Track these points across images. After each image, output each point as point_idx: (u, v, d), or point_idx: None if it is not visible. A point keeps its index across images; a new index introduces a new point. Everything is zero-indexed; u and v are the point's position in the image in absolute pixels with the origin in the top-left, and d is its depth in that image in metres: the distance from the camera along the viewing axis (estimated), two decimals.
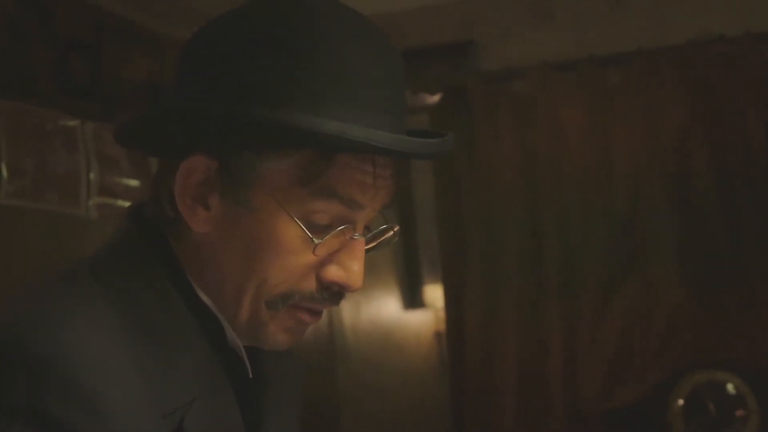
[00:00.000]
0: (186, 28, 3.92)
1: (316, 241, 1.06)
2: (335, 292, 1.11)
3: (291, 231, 1.07)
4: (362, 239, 1.11)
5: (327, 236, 1.07)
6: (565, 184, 3.73)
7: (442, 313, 4.18)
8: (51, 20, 3.47)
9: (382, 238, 1.15)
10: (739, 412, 3.48)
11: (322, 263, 1.09)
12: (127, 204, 3.58)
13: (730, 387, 3.49)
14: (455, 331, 4.00)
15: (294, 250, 1.07)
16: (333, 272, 1.09)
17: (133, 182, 3.63)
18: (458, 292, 3.98)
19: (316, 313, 1.12)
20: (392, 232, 1.16)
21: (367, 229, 1.13)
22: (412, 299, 4.30)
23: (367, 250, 1.13)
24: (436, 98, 4.03)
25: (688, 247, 3.58)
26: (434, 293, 4.27)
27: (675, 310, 3.56)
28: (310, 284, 1.09)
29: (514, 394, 3.75)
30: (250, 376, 1.15)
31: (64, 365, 0.96)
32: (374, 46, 1.08)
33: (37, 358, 0.96)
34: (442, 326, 4.19)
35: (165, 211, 1.10)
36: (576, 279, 3.68)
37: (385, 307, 4.31)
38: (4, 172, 3.22)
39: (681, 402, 3.51)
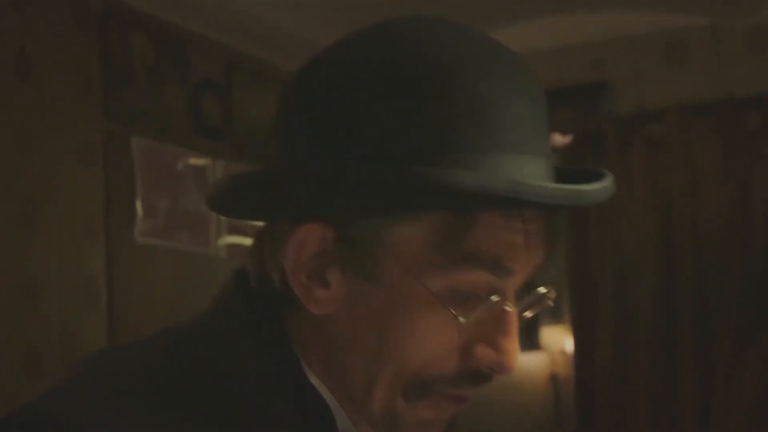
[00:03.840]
0: None
1: (461, 319, 0.87)
2: (484, 375, 0.91)
3: (430, 308, 0.87)
4: (514, 310, 0.90)
5: (473, 312, 0.87)
6: (700, 230, 3.63)
7: (558, 356, 4.10)
8: (185, 62, 3.53)
9: (537, 307, 0.95)
10: None
11: (469, 342, 0.89)
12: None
13: None
14: (583, 376, 3.92)
15: (435, 331, 0.88)
16: (482, 353, 0.89)
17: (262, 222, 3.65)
18: (587, 339, 3.90)
19: (462, 400, 0.92)
20: (549, 299, 0.95)
21: (518, 296, 0.92)
22: (529, 340, 4.23)
23: (521, 322, 0.92)
24: (567, 140, 3.97)
25: None
26: (551, 335, 4.20)
27: None
28: (455, 367, 0.90)
29: None
30: None
31: None
32: (514, 78, 0.88)
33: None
34: (558, 369, 4.11)
35: (274, 285, 0.92)
36: (711, 329, 3.57)
37: None
38: (139, 211, 3.28)
39: None
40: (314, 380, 0.92)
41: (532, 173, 0.87)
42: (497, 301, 0.88)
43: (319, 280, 0.89)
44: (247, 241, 3.58)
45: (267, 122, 3.83)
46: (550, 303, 0.95)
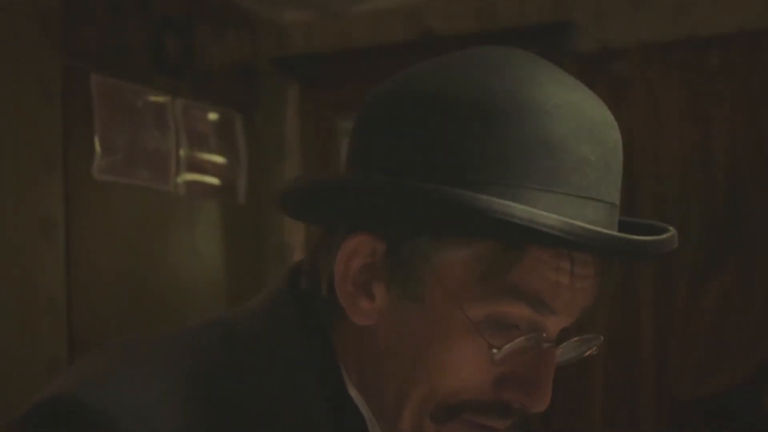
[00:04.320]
0: (277, 6, 3.93)
1: (494, 350, 0.88)
2: (514, 409, 0.91)
3: (466, 335, 0.88)
4: (554, 350, 0.90)
5: (509, 346, 0.88)
6: (662, 166, 3.65)
7: None
8: None
9: (580, 351, 0.94)
10: None
11: (503, 375, 0.90)
12: (214, 181, 3.60)
13: None
14: None
15: (469, 358, 0.89)
16: (514, 387, 0.90)
17: (221, 159, 3.64)
18: None
19: (490, 431, 0.92)
20: (596, 346, 0.95)
21: (560, 338, 0.92)
22: None
23: (560, 365, 0.93)
24: None
25: None
26: None
27: None
28: (486, 397, 0.90)
29: (603, 380, 3.69)
30: None
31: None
32: (586, 119, 0.89)
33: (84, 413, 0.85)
34: None
35: (322, 291, 0.94)
36: (671, 264, 3.60)
37: None
38: (98, 147, 3.26)
39: None
40: (352, 391, 0.94)
41: (590, 217, 0.87)
42: (535, 338, 0.89)
43: (365, 292, 0.91)
44: (206, 179, 3.57)
45: (228, 61, 3.80)
46: (595, 351, 0.95)
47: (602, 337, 0.95)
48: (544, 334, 0.90)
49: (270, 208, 3.67)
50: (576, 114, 0.88)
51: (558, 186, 0.86)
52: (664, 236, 0.91)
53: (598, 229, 0.86)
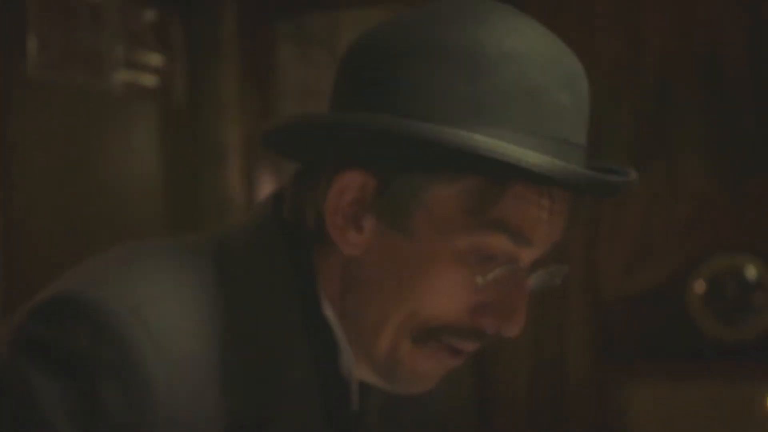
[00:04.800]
0: None
1: (479, 278, 0.96)
2: (487, 334, 1.00)
3: (452, 264, 0.96)
4: (527, 279, 1.00)
5: (491, 274, 0.96)
6: (592, 68, 3.71)
7: None
8: None
9: (548, 281, 1.03)
10: (759, 297, 3.52)
11: (481, 301, 0.98)
12: (151, 81, 3.58)
13: (750, 271, 3.52)
14: None
15: (453, 286, 0.97)
16: (491, 313, 0.99)
17: (158, 59, 3.62)
18: None
19: (460, 354, 1.01)
20: (559, 277, 1.04)
21: (531, 268, 1.01)
22: None
23: (530, 293, 1.02)
24: None
25: (715, 132, 3.59)
26: None
27: (699, 196, 3.57)
28: (463, 321, 0.98)
29: None
30: (355, 408, 1.05)
31: (135, 330, 0.92)
32: (564, 69, 0.98)
33: (114, 312, 0.92)
34: None
35: (307, 221, 1.01)
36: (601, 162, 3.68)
37: None
38: (32, 45, 3.21)
39: (700, 286, 3.54)
40: (329, 313, 1.01)
41: (566, 158, 0.96)
42: (513, 268, 0.98)
43: (354, 224, 0.98)
44: (142, 78, 3.55)
45: None
46: (559, 281, 1.04)
47: (567, 267, 1.03)
48: (521, 266, 0.99)
49: (208, 109, 3.67)
50: (556, 64, 0.97)
51: (540, 129, 0.95)
52: (630, 177, 1.01)
53: (578, 169, 0.96)
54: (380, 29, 1.00)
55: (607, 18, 3.73)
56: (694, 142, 3.60)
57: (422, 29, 0.97)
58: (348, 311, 1.01)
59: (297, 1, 3.93)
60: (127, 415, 0.90)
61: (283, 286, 1.00)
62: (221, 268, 0.99)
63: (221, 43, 3.63)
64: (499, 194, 0.95)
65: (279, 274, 1.00)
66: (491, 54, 0.95)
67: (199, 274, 0.99)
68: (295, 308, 1.00)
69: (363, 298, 1.00)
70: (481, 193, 0.95)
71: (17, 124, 3.16)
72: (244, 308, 0.98)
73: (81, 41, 3.38)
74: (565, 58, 0.99)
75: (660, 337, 3.60)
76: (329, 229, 0.99)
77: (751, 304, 3.51)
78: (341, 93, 1.01)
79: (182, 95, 3.65)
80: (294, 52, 3.95)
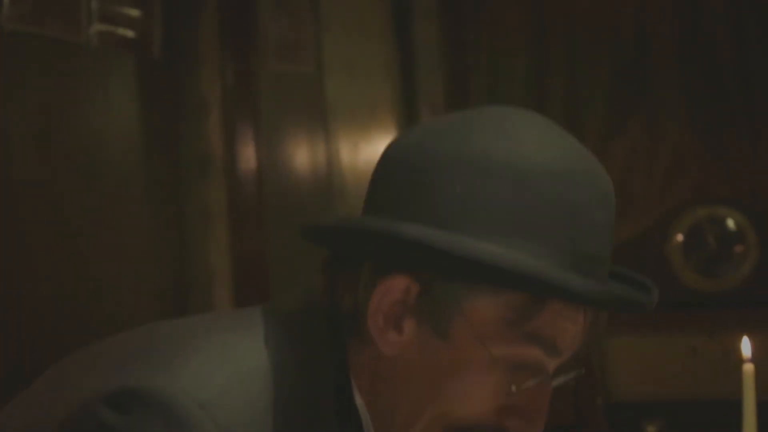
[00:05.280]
0: None
1: (513, 389, 1.02)
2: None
3: (488, 372, 1.01)
4: (550, 384, 1.05)
5: (525, 384, 1.02)
6: (571, 21, 3.71)
7: None
8: None
9: (563, 382, 1.09)
10: (739, 248, 3.54)
11: (506, 404, 1.03)
12: (128, 33, 3.53)
13: (730, 222, 3.54)
14: None
15: (486, 392, 1.02)
16: (516, 416, 1.04)
17: (135, 12, 3.57)
18: None
19: None
20: (578, 377, 1.10)
21: (555, 372, 1.08)
22: None
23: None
24: None
25: (693, 84, 3.59)
26: None
27: (679, 147, 3.59)
28: (490, 421, 1.04)
29: None
30: None
31: (205, 426, 0.97)
32: (600, 187, 1.03)
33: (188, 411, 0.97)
34: None
35: (343, 313, 1.05)
36: (580, 115, 3.69)
37: (383, 149, 4.31)
38: None
39: (680, 237, 3.56)
40: (359, 402, 1.06)
41: (599, 275, 1.02)
42: (545, 378, 1.03)
43: (395, 326, 1.02)
44: (119, 31, 3.51)
45: None
46: (572, 381, 1.10)
47: (584, 371, 1.09)
48: (549, 374, 1.05)
49: (186, 63, 3.64)
50: (593, 181, 1.02)
51: (577, 247, 1.00)
52: (654, 294, 1.08)
53: (614, 290, 1.04)
54: (422, 136, 1.04)
55: None
56: (673, 95, 3.61)
57: (465, 140, 1.01)
58: (379, 404, 1.06)
59: None
60: None
61: (322, 375, 1.05)
62: (271, 354, 1.04)
63: None
64: (538, 309, 1.00)
65: (319, 363, 1.05)
66: (534, 170, 0.99)
67: (254, 361, 1.03)
68: (330, 396, 1.05)
69: (395, 393, 1.04)
70: (522, 307, 1.00)
71: None
72: (290, 395, 1.03)
73: None
74: (599, 174, 1.04)
75: None
76: (370, 327, 1.03)
77: (730, 255, 3.53)
78: (386, 198, 1.04)
79: (160, 48, 3.61)
80: (274, 5, 3.91)
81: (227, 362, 1.02)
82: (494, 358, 1.01)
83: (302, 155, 4.03)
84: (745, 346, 1.39)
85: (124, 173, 3.46)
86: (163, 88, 3.62)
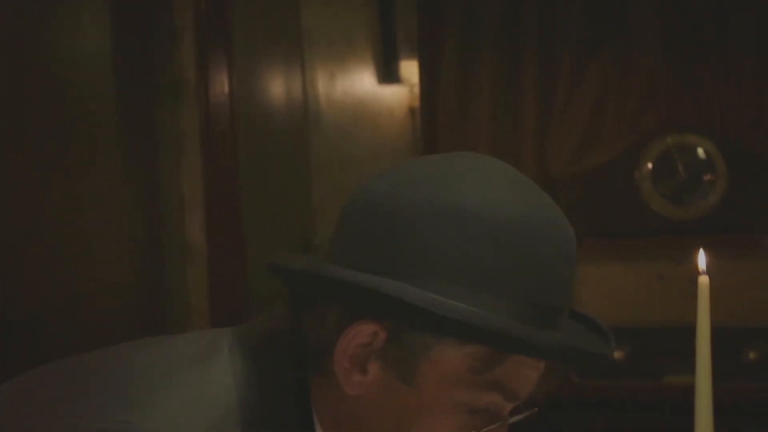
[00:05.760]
0: None
1: None
2: None
3: (451, 415, 1.06)
4: (507, 427, 1.11)
5: (484, 429, 1.07)
6: None
7: (417, 90, 4.18)
8: None
9: (519, 421, 1.13)
10: (708, 176, 3.55)
11: None
12: None
13: (700, 151, 3.55)
14: (428, 106, 4.02)
15: (447, 431, 1.07)
16: None
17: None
18: (433, 66, 3.97)
19: None
20: (532, 417, 1.15)
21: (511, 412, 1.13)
22: (387, 74, 4.29)
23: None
24: None
25: (669, 12, 3.58)
26: (410, 69, 4.26)
27: (650, 77, 3.58)
28: None
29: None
30: None
31: None
32: (565, 241, 1.05)
33: None
34: (417, 102, 4.20)
35: (308, 350, 1.09)
36: (554, 44, 3.68)
37: (359, 80, 4.30)
38: None
39: (650, 164, 3.57)
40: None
41: (561, 325, 1.06)
42: (504, 423, 1.09)
43: (359, 367, 1.05)
44: None
45: None
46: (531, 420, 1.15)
47: (537, 411, 1.13)
48: (506, 417, 1.10)
49: None
50: (559, 234, 1.05)
51: (543, 300, 1.04)
52: (612, 344, 1.12)
53: (578, 346, 1.07)
54: (393, 184, 1.06)
55: None
56: (645, 24, 3.60)
57: (436, 192, 1.03)
58: None
59: None
60: None
61: (286, 409, 1.09)
62: (239, 391, 1.07)
63: None
64: (502, 361, 1.04)
65: (283, 396, 1.09)
66: (505, 224, 1.02)
67: (224, 401, 1.06)
68: (293, 429, 1.08)
69: (359, 430, 1.09)
70: (486, 359, 1.03)
71: None
72: (255, 429, 1.06)
73: None
74: (565, 226, 1.06)
75: (610, 215, 3.64)
76: (336, 368, 1.06)
77: (699, 183, 3.55)
78: (356, 245, 1.06)
79: None
80: None
81: (201, 404, 1.06)
82: (457, 404, 1.05)
83: (277, 83, 4.01)
84: (701, 260, 1.40)
85: (94, 96, 3.45)
86: (136, 13, 3.60)
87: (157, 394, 1.06)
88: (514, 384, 1.06)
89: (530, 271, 1.03)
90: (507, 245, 1.02)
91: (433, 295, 1.01)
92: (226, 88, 3.61)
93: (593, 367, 1.16)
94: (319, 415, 1.10)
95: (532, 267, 1.03)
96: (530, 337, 1.02)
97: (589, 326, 1.14)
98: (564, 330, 1.07)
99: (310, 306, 1.08)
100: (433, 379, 1.04)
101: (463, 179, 1.05)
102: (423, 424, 1.06)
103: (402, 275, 1.02)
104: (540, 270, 1.03)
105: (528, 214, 1.03)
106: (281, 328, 1.11)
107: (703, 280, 1.37)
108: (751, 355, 3.48)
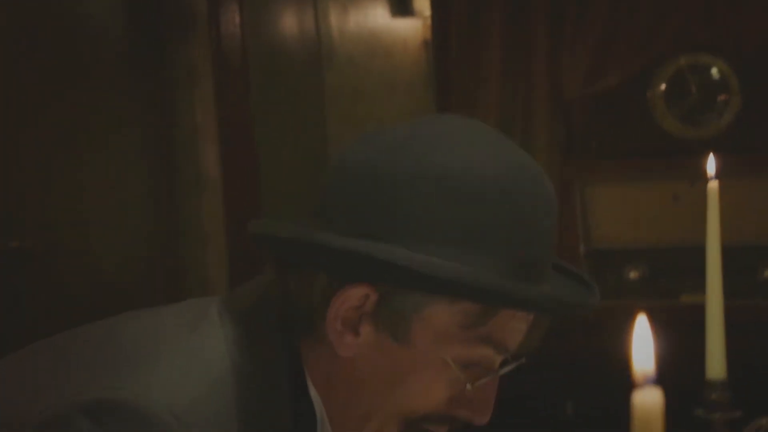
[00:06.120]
0: None
1: (468, 386, 1.09)
2: (460, 421, 1.14)
3: (444, 371, 1.08)
4: (497, 379, 1.13)
5: (478, 382, 1.09)
6: None
7: (429, 22, 4.16)
8: None
9: (509, 371, 1.15)
10: (721, 96, 3.53)
11: (457, 396, 1.11)
12: None
13: (713, 71, 3.52)
14: (440, 37, 4.00)
15: (443, 389, 1.09)
16: (465, 407, 1.12)
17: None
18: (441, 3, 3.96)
19: None
20: (521, 365, 1.16)
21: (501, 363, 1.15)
22: (400, 6, 4.27)
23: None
24: None
25: None
26: (422, 1, 4.24)
27: None
28: (442, 411, 1.11)
29: (497, 82, 3.79)
30: None
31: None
32: (545, 194, 1.08)
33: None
34: (430, 35, 4.18)
35: (298, 313, 1.10)
36: None
37: (372, 13, 4.28)
38: None
39: (663, 85, 3.55)
40: (313, 394, 1.12)
41: (548, 278, 1.10)
42: (495, 374, 1.11)
43: (351, 329, 1.08)
44: None
45: None
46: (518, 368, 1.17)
47: (524, 359, 1.15)
48: (497, 368, 1.12)
49: None
50: (540, 191, 1.08)
51: (529, 255, 1.07)
52: (596, 294, 1.15)
53: (563, 298, 1.10)
54: (377, 151, 1.07)
55: None
56: None
57: (420, 157, 1.05)
58: (334, 398, 1.12)
59: None
60: None
61: (277, 371, 1.10)
62: (231, 356, 1.08)
63: None
64: (492, 315, 1.07)
65: (274, 360, 1.10)
66: (488, 184, 1.04)
67: (218, 366, 1.08)
68: (285, 390, 1.10)
69: (352, 390, 1.11)
70: (477, 314, 1.06)
71: None
72: (250, 398, 1.08)
73: None
74: (545, 183, 1.09)
75: (623, 137, 3.63)
76: (328, 331, 1.08)
77: (713, 103, 3.52)
78: (343, 211, 1.08)
79: None
80: None
81: (194, 369, 1.07)
82: (450, 359, 1.08)
83: (289, 16, 4.00)
84: (710, 165, 1.39)
85: (105, 31, 3.45)
86: None
87: (150, 361, 1.07)
88: (504, 337, 1.09)
89: (515, 228, 1.05)
90: (490, 203, 1.04)
91: (423, 255, 1.03)
92: (237, 20, 3.60)
93: (580, 317, 1.17)
94: (312, 377, 1.12)
95: (517, 223, 1.05)
96: (519, 291, 1.05)
97: (570, 277, 1.16)
98: (550, 282, 1.10)
99: (298, 271, 1.10)
100: (426, 337, 1.07)
101: (444, 141, 1.07)
102: (416, 381, 1.09)
103: (390, 239, 1.04)
104: (524, 226, 1.06)
105: (508, 172, 1.06)
106: (269, 293, 1.13)
107: (713, 185, 1.36)
108: (766, 273, 3.48)
